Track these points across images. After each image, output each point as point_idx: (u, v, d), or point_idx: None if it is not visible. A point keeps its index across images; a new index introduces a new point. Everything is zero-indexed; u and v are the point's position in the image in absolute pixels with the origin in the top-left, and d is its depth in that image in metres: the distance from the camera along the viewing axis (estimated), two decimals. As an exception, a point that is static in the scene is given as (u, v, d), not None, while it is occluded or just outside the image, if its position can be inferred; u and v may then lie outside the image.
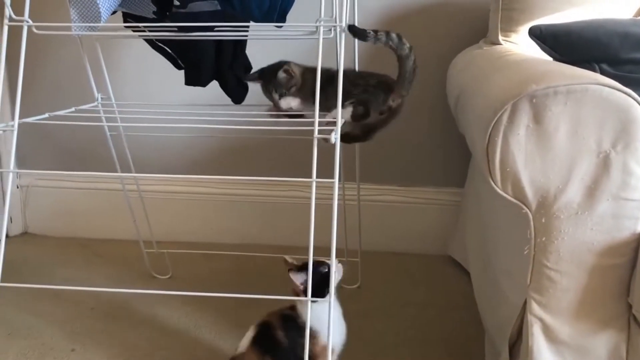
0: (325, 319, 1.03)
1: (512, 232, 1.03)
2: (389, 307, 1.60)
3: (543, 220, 0.94)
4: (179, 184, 1.98)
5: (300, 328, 1.10)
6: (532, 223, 0.94)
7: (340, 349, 1.16)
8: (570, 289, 0.95)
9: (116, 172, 1.61)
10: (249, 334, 1.15)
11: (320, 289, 1.09)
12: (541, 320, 0.96)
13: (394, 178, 1.91)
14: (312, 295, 1.10)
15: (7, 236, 1.06)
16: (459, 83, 1.38)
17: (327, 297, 1.07)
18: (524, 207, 0.94)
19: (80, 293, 1.62)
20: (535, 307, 0.97)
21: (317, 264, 1.13)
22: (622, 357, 0.95)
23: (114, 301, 1.59)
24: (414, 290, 1.70)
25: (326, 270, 1.10)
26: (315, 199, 1.00)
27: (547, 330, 0.96)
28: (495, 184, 0.94)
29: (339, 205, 1.45)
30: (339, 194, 1.46)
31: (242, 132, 1.66)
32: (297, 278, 1.10)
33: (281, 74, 1.27)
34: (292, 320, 1.13)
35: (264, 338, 1.13)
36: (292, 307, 1.15)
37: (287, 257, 1.17)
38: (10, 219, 2.04)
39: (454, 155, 1.87)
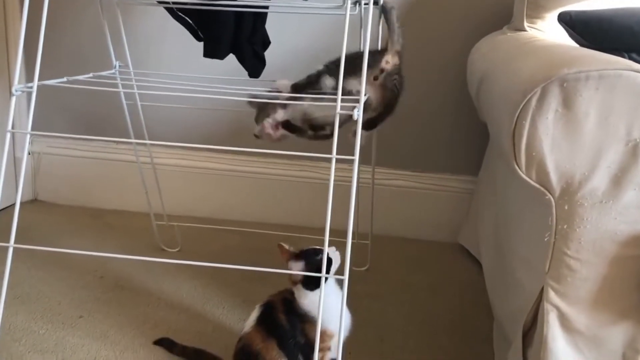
0: (323, 307, 1.02)
1: (533, 219, 1.01)
2: (397, 291, 1.59)
3: (566, 208, 0.92)
4: (193, 159, 1.97)
5: (298, 314, 1.11)
6: (554, 210, 0.93)
7: (343, 336, 1.13)
8: (589, 278, 0.93)
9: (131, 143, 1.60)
10: (254, 315, 1.15)
11: (317, 278, 1.08)
12: (557, 308, 0.95)
13: (407, 163, 1.90)
14: (311, 285, 1.10)
15: (17, 202, 1.04)
16: (482, 67, 1.36)
17: (326, 284, 1.05)
18: (548, 193, 0.93)
19: (89, 262, 1.63)
20: (552, 295, 0.95)
21: (312, 252, 1.12)
22: (637, 350, 0.93)
23: (123, 272, 1.59)
24: (423, 276, 1.69)
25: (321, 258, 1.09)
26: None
27: (563, 319, 0.95)
28: (519, 169, 0.93)
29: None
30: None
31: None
32: (297, 267, 1.10)
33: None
34: (291, 306, 1.13)
35: (267, 319, 1.13)
36: (292, 293, 1.15)
37: (284, 244, 1.16)
38: (21, 185, 2.03)
39: (470, 143, 1.85)
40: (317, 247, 1.13)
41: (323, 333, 1.07)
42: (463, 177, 1.88)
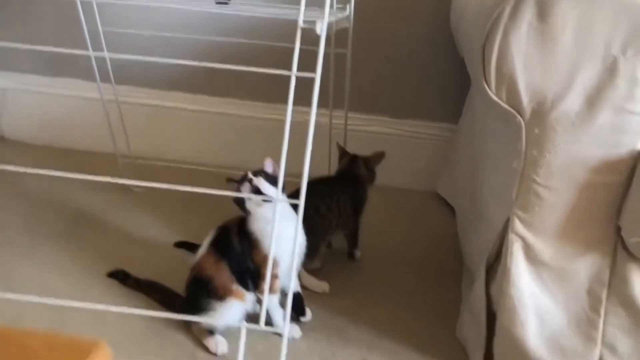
0: (268, 229, 0.97)
1: (502, 146, 0.96)
2: (366, 236, 1.53)
3: (536, 131, 0.86)
4: (163, 98, 1.89)
5: (248, 235, 1.06)
6: (524, 134, 0.87)
7: (290, 262, 1.04)
8: (557, 207, 0.88)
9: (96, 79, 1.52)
10: (208, 238, 1.10)
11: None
12: (523, 239, 0.90)
13: (384, 108, 1.83)
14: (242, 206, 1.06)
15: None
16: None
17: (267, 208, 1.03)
18: (517, 115, 0.87)
19: (51, 197, 1.57)
20: (518, 225, 0.90)
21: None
22: (604, 283, 0.89)
23: (86, 208, 1.54)
24: (396, 223, 1.64)
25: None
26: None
27: (527, 250, 0.90)
28: (488, 88, 0.87)
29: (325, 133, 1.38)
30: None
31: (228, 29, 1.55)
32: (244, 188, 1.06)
33: None
34: (244, 228, 1.08)
35: (221, 242, 1.08)
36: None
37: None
38: (-15, 122, 1.96)
39: (450, 89, 1.78)
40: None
41: (266, 258, 1.01)
42: (442, 125, 1.81)
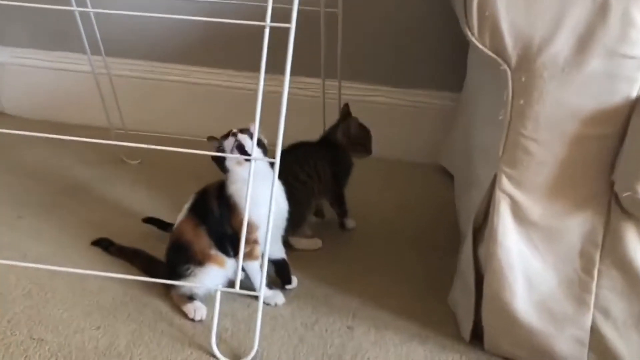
0: (246, 191, 0.93)
1: (490, 99, 0.90)
2: (361, 207, 1.48)
3: (523, 80, 0.81)
4: (156, 71, 1.85)
5: (226, 199, 1.03)
6: (510, 82, 0.81)
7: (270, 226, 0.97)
8: (546, 162, 0.82)
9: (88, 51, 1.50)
10: (187, 204, 1.07)
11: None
12: (510, 196, 0.85)
13: (384, 77, 1.76)
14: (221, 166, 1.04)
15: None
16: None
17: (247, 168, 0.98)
18: (503, 63, 0.81)
19: (43, 169, 1.56)
20: (505, 182, 0.85)
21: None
22: (597, 244, 0.83)
23: (78, 181, 1.52)
24: (394, 195, 1.59)
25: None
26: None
27: (515, 209, 0.85)
28: (471, 33, 0.81)
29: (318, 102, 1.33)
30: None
31: None
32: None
33: None
34: (223, 191, 1.04)
35: (200, 207, 1.05)
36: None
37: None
38: (-16, 97, 1.95)
39: (455, 56, 1.71)
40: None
41: (248, 224, 0.96)
42: (446, 94, 1.75)
